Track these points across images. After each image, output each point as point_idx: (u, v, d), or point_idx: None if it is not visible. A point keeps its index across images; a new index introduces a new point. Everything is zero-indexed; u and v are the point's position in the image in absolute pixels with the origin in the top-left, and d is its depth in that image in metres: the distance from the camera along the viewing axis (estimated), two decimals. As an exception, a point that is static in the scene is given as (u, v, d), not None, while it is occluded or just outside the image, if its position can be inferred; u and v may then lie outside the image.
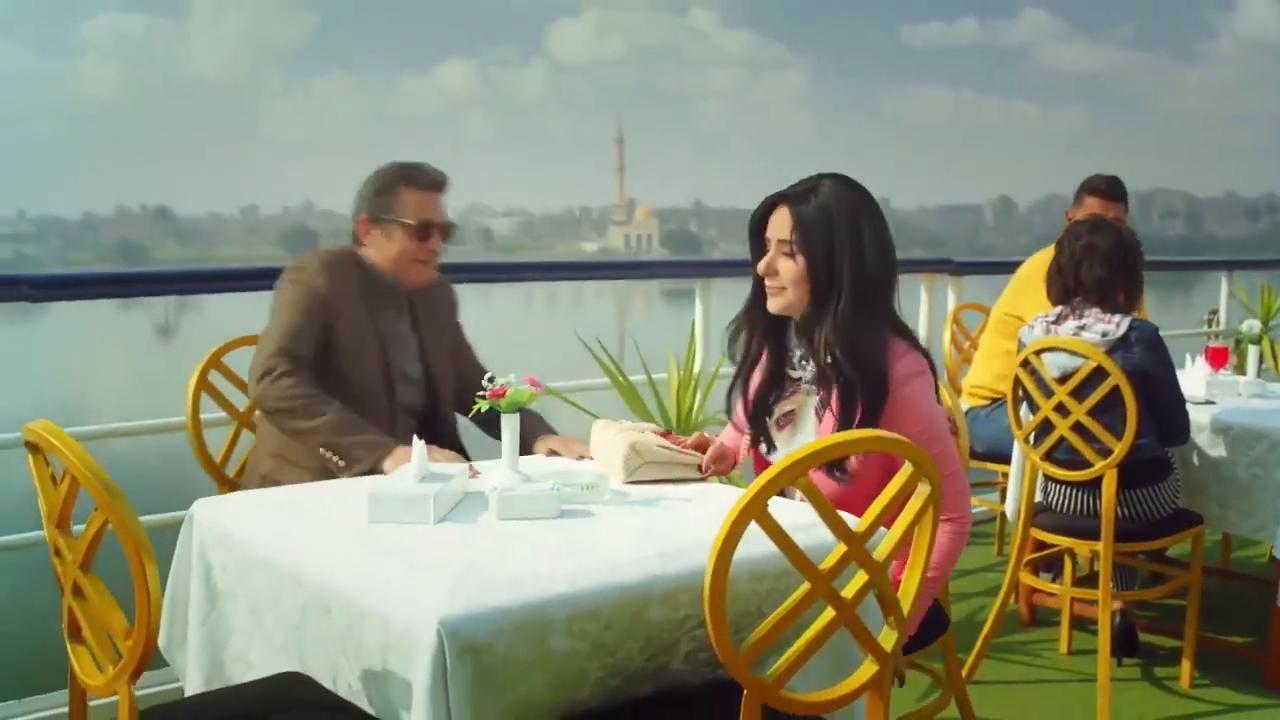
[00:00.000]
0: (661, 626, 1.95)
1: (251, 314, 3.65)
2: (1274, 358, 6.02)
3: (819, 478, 2.49)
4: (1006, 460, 4.20)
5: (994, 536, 5.40)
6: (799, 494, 1.79)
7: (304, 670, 2.13)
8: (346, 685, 2.02)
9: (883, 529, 1.90)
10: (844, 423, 2.53)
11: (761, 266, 2.64)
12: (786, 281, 2.59)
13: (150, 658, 1.76)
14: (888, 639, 1.91)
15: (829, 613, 1.81)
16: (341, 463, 2.84)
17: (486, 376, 2.51)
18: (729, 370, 4.62)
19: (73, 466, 1.76)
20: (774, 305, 2.64)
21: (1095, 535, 3.59)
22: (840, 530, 1.78)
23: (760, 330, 2.73)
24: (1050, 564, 4.48)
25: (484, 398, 2.45)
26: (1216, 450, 3.85)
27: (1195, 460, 3.90)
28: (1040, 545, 4.25)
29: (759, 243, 2.67)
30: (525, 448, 3.14)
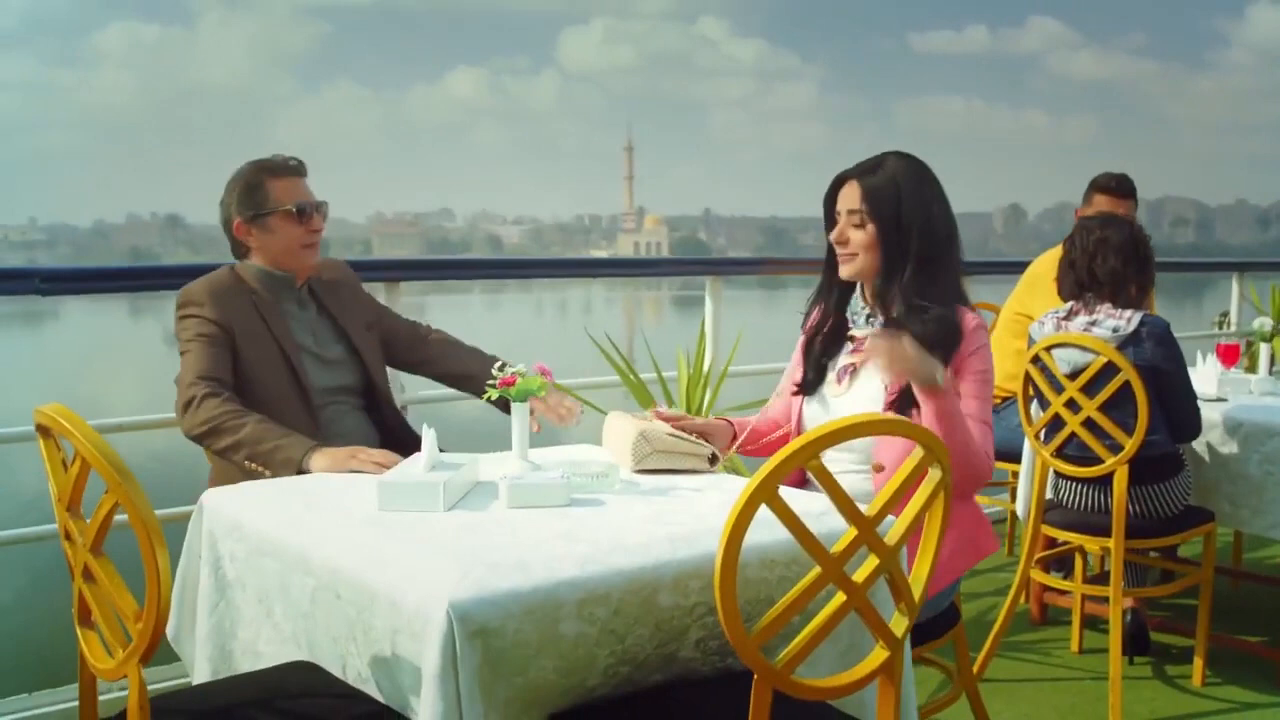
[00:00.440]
0: (671, 613, 1.95)
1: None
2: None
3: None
4: (1017, 460, 4.19)
5: (1005, 536, 5.38)
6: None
7: (313, 659, 2.14)
8: (355, 673, 2.02)
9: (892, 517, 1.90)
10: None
11: (834, 235, 2.81)
12: (857, 248, 2.77)
13: (160, 639, 1.76)
14: (899, 625, 1.90)
15: (839, 597, 1.80)
16: (267, 471, 2.78)
17: (497, 365, 2.50)
18: (738, 368, 4.66)
19: (83, 448, 1.76)
20: (845, 271, 2.81)
21: (1106, 532, 3.58)
22: (851, 513, 1.77)
23: (832, 297, 2.92)
24: (1061, 563, 4.47)
25: (494, 386, 2.45)
26: (1228, 447, 3.84)
27: (1207, 457, 3.89)
28: (1051, 543, 4.23)
29: (830, 217, 2.86)
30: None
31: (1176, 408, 3.60)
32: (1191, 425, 3.66)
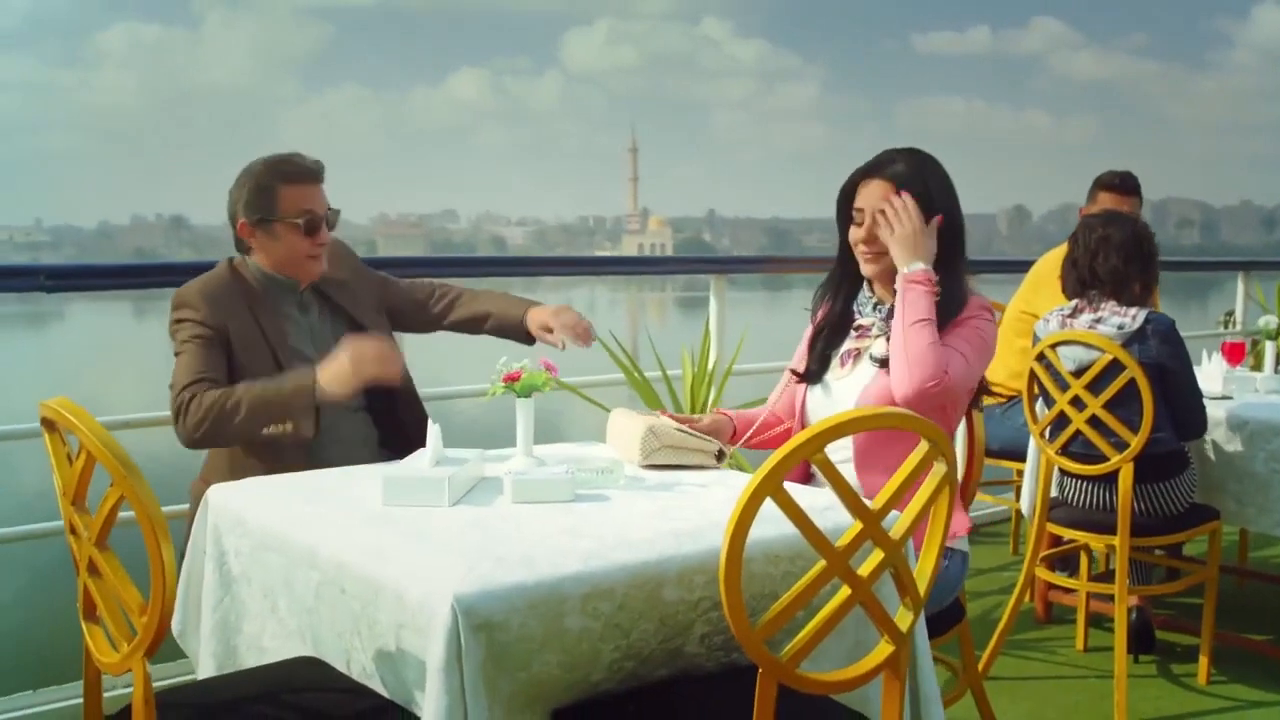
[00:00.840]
0: (676, 607, 1.95)
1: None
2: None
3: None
4: (1022, 458, 4.18)
5: (1009, 535, 5.37)
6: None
7: (317, 654, 2.14)
8: (360, 667, 2.02)
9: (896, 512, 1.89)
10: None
11: (861, 235, 2.78)
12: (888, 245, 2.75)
13: (165, 633, 1.76)
14: (904, 619, 1.90)
15: (844, 591, 1.80)
16: (287, 428, 2.76)
17: (501, 361, 2.49)
18: (743, 366, 4.65)
19: (88, 441, 1.76)
20: (872, 270, 2.81)
21: (1111, 530, 3.57)
22: (856, 507, 1.77)
23: (841, 293, 2.93)
24: (1066, 561, 4.46)
25: (498, 382, 2.45)
26: (1233, 445, 3.83)
27: (1212, 455, 3.88)
28: (1056, 541, 4.23)
29: (846, 217, 2.85)
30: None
31: (1182, 405, 3.59)
32: (1197, 423, 3.66)
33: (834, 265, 2.94)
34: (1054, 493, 3.84)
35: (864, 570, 1.81)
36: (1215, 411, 3.82)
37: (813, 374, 2.91)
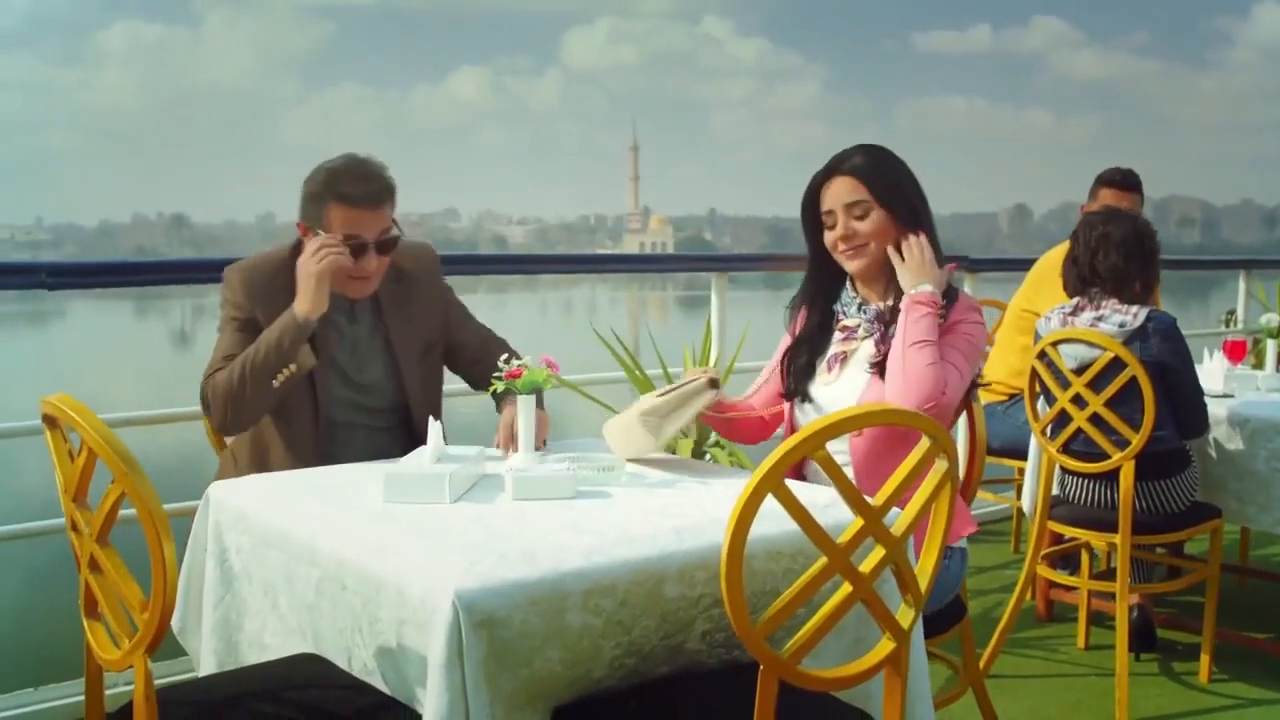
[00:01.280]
0: (677, 604, 1.95)
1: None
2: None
3: None
4: (1023, 456, 4.18)
5: (1010, 534, 5.37)
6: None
7: (318, 651, 2.14)
8: (361, 664, 2.02)
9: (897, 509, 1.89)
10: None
11: (839, 234, 2.75)
12: (870, 237, 2.73)
13: (166, 630, 1.76)
14: (905, 616, 1.90)
15: (845, 588, 1.80)
16: (292, 369, 2.74)
17: (503, 358, 2.50)
18: (744, 364, 4.65)
19: (89, 438, 1.76)
20: (855, 266, 2.77)
21: (1113, 528, 3.57)
22: (857, 503, 1.77)
23: (819, 298, 2.89)
24: (1067, 559, 4.46)
25: (500, 379, 2.45)
26: (1235, 443, 3.83)
27: (1213, 453, 3.88)
28: (1057, 539, 4.23)
29: (814, 222, 2.82)
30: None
31: (1183, 403, 3.59)
32: (1198, 421, 3.65)
33: (805, 279, 2.91)
34: (1055, 491, 3.84)
35: (865, 567, 1.81)
36: (1216, 410, 3.82)
37: (798, 388, 2.85)
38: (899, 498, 1.82)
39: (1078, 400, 3.58)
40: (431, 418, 2.44)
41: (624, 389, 4.45)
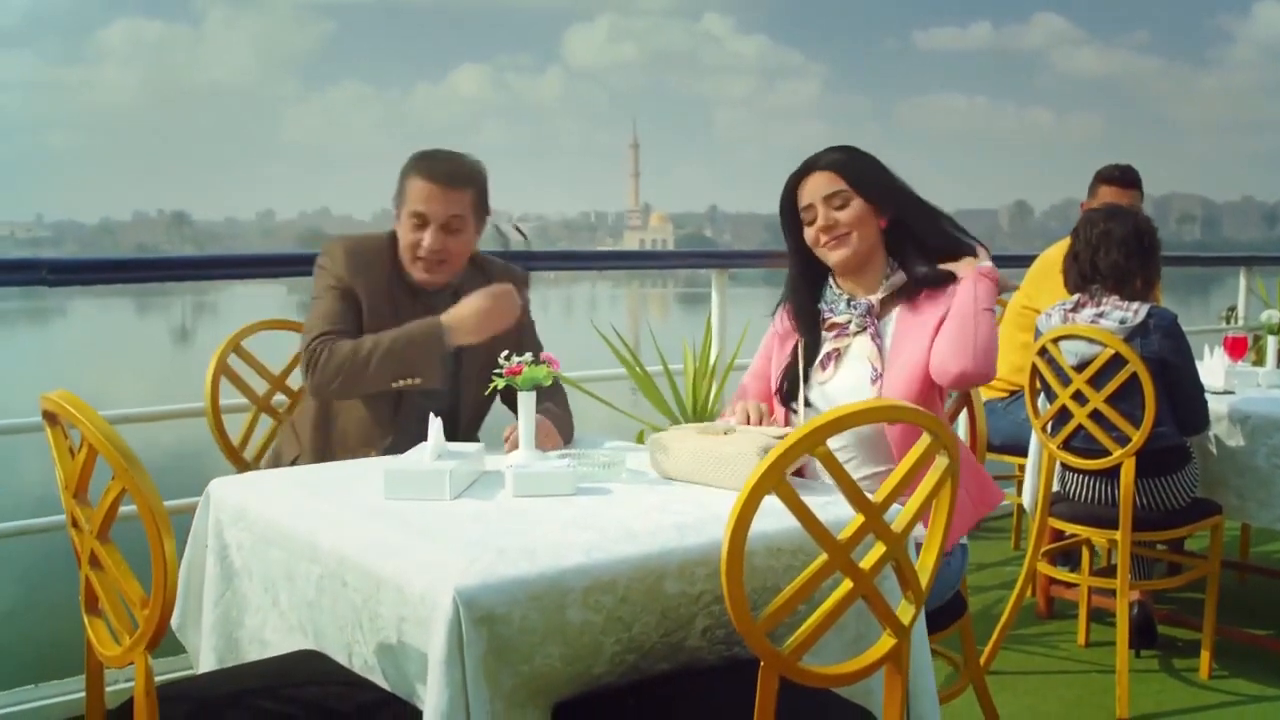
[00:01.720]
0: (678, 601, 1.95)
1: (270, 310, 3.65)
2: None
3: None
4: (1023, 453, 4.18)
5: (1011, 530, 5.37)
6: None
7: (318, 648, 2.14)
8: (362, 660, 2.02)
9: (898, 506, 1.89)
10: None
11: (820, 225, 2.76)
12: (851, 225, 2.74)
13: (167, 626, 1.77)
14: (905, 612, 1.90)
15: (846, 584, 1.80)
16: (417, 379, 2.77)
17: (503, 355, 2.49)
18: (745, 362, 4.64)
19: (90, 434, 1.76)
20: (839, 256, 2.77)
21: (1113, 525, 3.57)
22: (858, 500, 1.77)
23: (803, 301, 2.88)
24: (1068, 556, 4.46)
25: (500, 375, 2.45)
26: (1235, 440, 3.83)
27: (1214, 450, 3.88)
28: (1058, 536, 4.22)
29: (794, 222, 2.83)
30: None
31: (1184, 400, 3.59)
32: (1199, 418, 3.65)
33: (787, 281, 2.92)
34: (1056, 487, 3.84)
35: (866, 564, 1.81)
36: (1217, 406, 3.82)
37: (793, 389, 2.84)
38: (899, 494, 1.82)
39: (1078, 397, 3.58)
40: (432, 415, 2.44)
41: (624, 386, 4.45)
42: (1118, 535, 3.55)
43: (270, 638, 2.28)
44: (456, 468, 2.25)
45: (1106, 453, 3.55)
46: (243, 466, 3.24)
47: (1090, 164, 5.17)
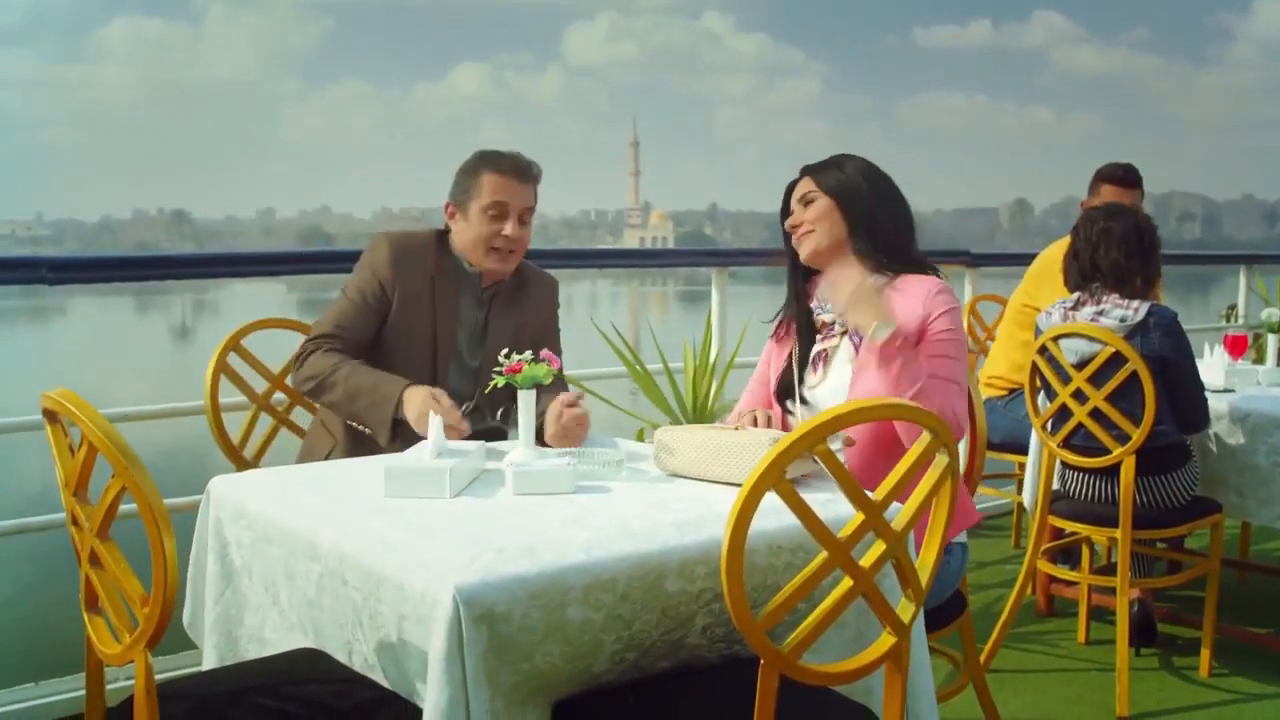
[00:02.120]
0: (678, 599, 1.94)
1: (271, 309, 3.65)
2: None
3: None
4: (1024, 451, 4.18)
5: (1011, 529, 5.37)
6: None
7: (318, 646, 2.14)
8: (362, 659, 2.02)
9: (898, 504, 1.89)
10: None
11: (788, 224, 2.87)
12: (813, 222, 2.81)
13: (167, 625, 1.76)
14: (905, 610, 1.90)
15: (846, 582, 1.80)
16: (367, 430, 2.84)
17: (503, 353, 2.50)
18: (744, 360, 4.65)
19: (90, 433, 1.76)
20: (805, 251, 2.84)
21: (1113, 523, 3.57)
22: (858, 498, 1.76)
23: (799, 301, 2.92)
24: (1068, 554, 4.46)
25: (500, 374, 2.45)
26: (1235, 438, 3.83)
27: (1214, 448, 3.88)
28: (1058, 534, 4.23)
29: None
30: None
31: (1184, 398, 3.59)
32: (1199, 416, 3.65)
33: (788, 272, 2.97)
34: (1056, 486, 3.84)
35: (866, 561, 1.81)
36: (1217, 404, 3.82)
37: (788, 389, 2.87)
38: (899, 492, 1.82)
39: (1078, 395, 3.58)
40: (432, 413, 2.44)
41: (624, 384, 4.46)
42: (1118, 533, 3.55)
43: (270, 636, 2.28)
44: (457, 466, 2.25)
45: (1106, 451, 3.56)
46: (242, 465, 3.24)
47: (1090, 162, 5.17)
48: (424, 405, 2.69)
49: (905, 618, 1.89)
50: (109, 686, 2.13)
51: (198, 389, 3.29)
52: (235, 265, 3.99)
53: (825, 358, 2.81)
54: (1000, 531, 5.42)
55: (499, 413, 2.79)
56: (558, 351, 3.24)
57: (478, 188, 3.00)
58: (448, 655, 1.72)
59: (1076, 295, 3.68)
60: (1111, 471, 3.61)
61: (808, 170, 2.88)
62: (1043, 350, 3.67)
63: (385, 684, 1.97)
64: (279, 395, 3.38)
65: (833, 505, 2.12)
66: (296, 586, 2.16)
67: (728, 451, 2.34)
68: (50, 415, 1.91)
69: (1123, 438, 3.52)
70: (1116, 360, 3.48)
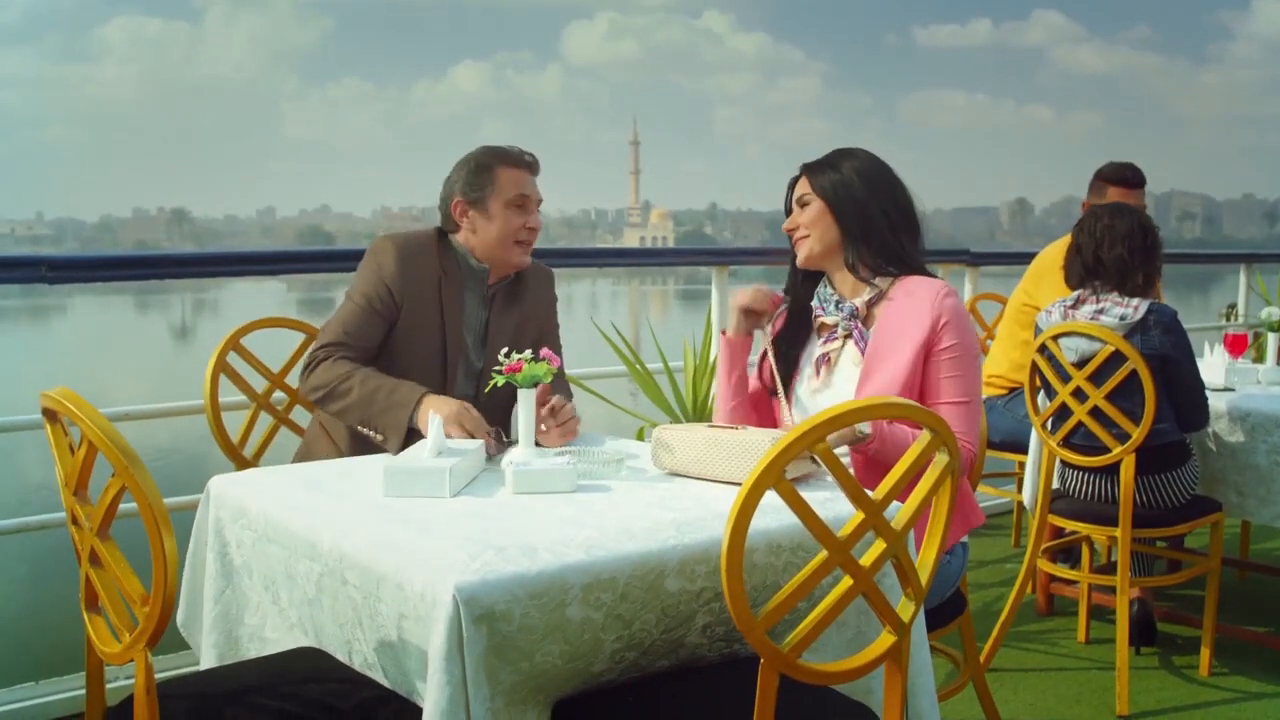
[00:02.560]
0: (678, 598, 1.94)
1: (270, 308, 3.65)
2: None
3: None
4: (1024, 450, 4.18)
5: (1011, 528, 5.37)
6: None
7: (318, 645, 2.14)
8: (361, 658, 2.02)
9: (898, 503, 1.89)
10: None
11: (785, 226, 2.84)
12: (807, 227, 2.79)
13: (167, 623, 1.76)
14: (905, 609, 1.90)
15: (846, 581, 1.80)
16: (379, 437, 2.79)
17: (502, 352, 2.50)
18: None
19: (90, 432, 1.76)
20: (801, 255, 2.82)
21: (1113, 522, 3.57)
22: (858, 497, 1.76)
23: (797, 296, 2.90)
24: (1068, 553, 4.46)
25: (500, 373, 2.45)
26: (1235, 437, 3.83)
27: (1214, 447, 3.88)
28: (1058, 533, 4.23)
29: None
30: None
31: (1184, 396, 3.59)
32: (1199, 414, 3.65)
33: (789, 268, 2.94)
34: (1056, 484, 3.84)
35: (866, 560, 1.81)
36: (1217, 403, 3.82)
37: (783, 379, 2.85)
38: (899, 491, 1.82)
39: (1078, 394, 3.58)
40: (432, 412, 2.44)
41: (624, 383, 4.46)
42: (1118, 532, 3.55)
43: (270, 635, 2.28)
44: (456, 465, 2.25)
45: (1106, 450, 3.56)
46: (242, 464, 3.24)
47: (1090, 161, 5.18)
48: (455, 413, 2.64)
49: (905, 617, 1.89)
50: (109, 686, 2.13)
51: (197, 388, 3.29)
52: (235, 264, 3.99)
53: (828, 361, 2.78)
54: (1000, 530, 5.42)
55: (497, 431, 2.74)
56: (558, 345, 3.25)
57: (495, 183, 3.00)
58: (447, 654, 1.72)
59: (1076, 294, 3.68)
60: (1111, 470, 3.61)
61: (806, 169, 2.84)
62: (1042, 349, 3.68)
63: (385, 683, 1.97)
64: (279, 394, 3.39)
65: (833, 504, 2.12)
66: (296, 586, 2.16)
67: (728, 451, 2.34)
68: (50, 414, 1.91)
69: (1122, 436, 3.52)
70: (1116, 359, 3.48)
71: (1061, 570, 4.08)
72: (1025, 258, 5.08)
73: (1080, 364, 3.56)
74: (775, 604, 1.75)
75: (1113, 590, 3.71)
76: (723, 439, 2.36)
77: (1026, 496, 4.00)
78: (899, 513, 1.85)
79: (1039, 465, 3.85)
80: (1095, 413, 3.56)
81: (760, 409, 2.92)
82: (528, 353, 2.46)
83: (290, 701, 1.96)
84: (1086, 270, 3.65)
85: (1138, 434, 3.48)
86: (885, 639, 1.90)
